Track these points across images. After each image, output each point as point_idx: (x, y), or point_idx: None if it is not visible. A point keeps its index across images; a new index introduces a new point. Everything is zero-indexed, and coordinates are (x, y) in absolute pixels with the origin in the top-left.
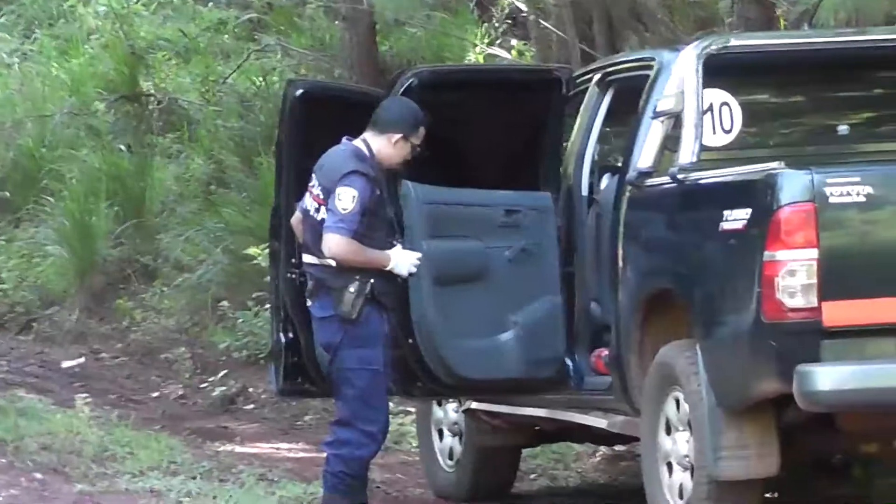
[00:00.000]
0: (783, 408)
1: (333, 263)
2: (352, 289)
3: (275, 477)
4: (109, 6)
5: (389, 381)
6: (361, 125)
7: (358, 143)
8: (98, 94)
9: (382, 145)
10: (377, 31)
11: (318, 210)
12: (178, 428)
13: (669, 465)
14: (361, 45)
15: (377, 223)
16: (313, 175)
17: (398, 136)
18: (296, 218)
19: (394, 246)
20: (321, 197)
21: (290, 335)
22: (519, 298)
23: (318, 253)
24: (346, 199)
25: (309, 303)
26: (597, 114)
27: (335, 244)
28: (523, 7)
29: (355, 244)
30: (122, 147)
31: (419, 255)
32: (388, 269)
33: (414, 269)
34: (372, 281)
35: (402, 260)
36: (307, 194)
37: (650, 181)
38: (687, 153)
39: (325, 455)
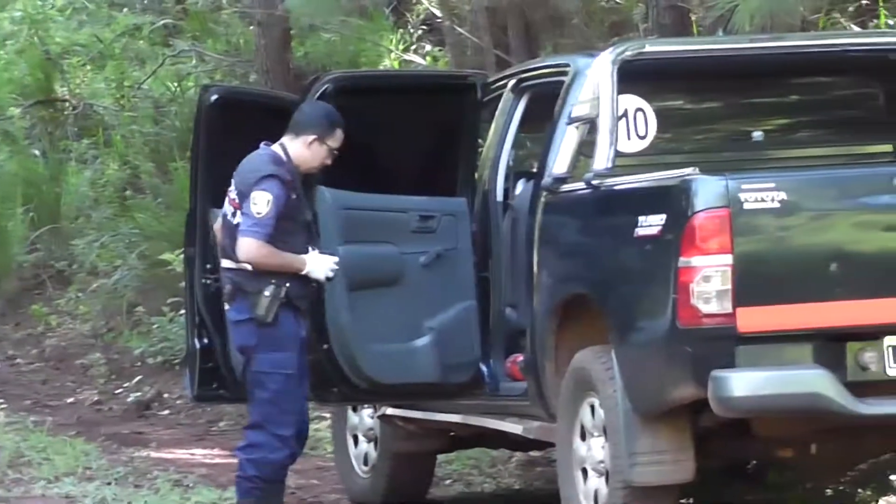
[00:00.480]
0: (699, 413)
1: (249, 267)
2: (267, 292)
3: (189, 483)
4: (24, 11)
5: (306, 386)
6: (276, 130)
7: (276, 147)
8: (13, 99)
9: (298, 148)
10: (292, 37)
11: (234, 214)
12: (94, 433)
13: (585, 471)
14: (276, 51)
15: (294, 228)
16: (232, 180)
17: (312, 137)
18: (217, 223)
19: (311, 251)
20: (237, 201)
21: (205, 341)
22: (434, 303)
23: (235, 257)
24: (261, 203)
25: (226, 307)
26: (512, 119)
27: (249, 248)
28: (438, 13)
29: (269, 248)
30: (37, 152)
31: (336, 259)
32: (303, 273)
33: (331, 274)
34: (287, 285)
35: (317, 265)
36: (227, 199)
37: (565, 187)
38: (602, 159)
39: (238, 461)
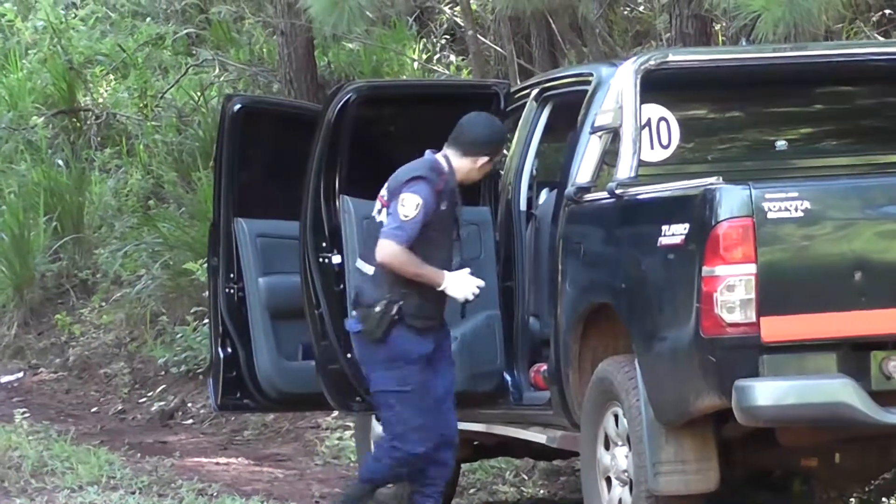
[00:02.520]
0: (722, 423)
1: (371, 272)
2: (378, 308)
3: (214, 492)
4: (47, 21)
5: (448, 399)
6: (299, 140)
7: (439, 156)
8: (36, 108)
9: (466, 166)
10: (315, 46)
11: (380, 212)
12: (117, 443)
13: (608, 480)
14: (299, 60)
15: (439, 240)
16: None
17: (485, 159)
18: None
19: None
20: (385, 198)
21: (229, 350)
22: (458, 312)
23: (369, 259)
24: (410, 205)
25: (350, 313)
26: (535, 129)
27: (388, 251)
28: (461, 22)
29: (409, 254)
30: (61, 162)
31: (481, 282)
32: (440, 289)
33: (471, 297)
34: (400, 303)
35: (459, 284)
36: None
37: (588, 196)
38: (625, 168)
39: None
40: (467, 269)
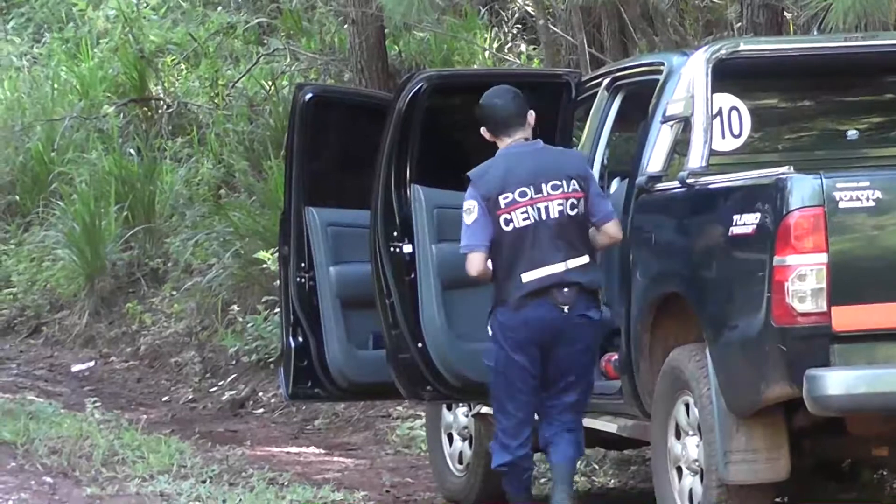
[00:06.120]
0: (793, 412)
1: (587, 259)
2: (602, 286)
3: (284, 481)
4: (119, 10)
5: None
6: (370, 129)
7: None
8: (107, 97)
9: None
10: (386, 35)
11: (574, 206)
12: (188, 432)
13: (679, 470)
14: (370, 49)
15: None
16: (532, 184)
17: None
18: (480, 258)
19: None
20: (578, 190)
21: (300, 339)
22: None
23: (575, 251)
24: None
25: (564, 309)
26: (606, 118)
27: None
28: (533, 11)
29: None
30: (132, 151)
31: None
32: None
33: None
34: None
35: None
36: (527, 207)
37: (660, 186)
38: (696, 158)
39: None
40: None
